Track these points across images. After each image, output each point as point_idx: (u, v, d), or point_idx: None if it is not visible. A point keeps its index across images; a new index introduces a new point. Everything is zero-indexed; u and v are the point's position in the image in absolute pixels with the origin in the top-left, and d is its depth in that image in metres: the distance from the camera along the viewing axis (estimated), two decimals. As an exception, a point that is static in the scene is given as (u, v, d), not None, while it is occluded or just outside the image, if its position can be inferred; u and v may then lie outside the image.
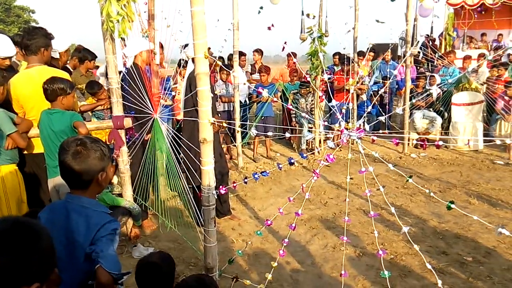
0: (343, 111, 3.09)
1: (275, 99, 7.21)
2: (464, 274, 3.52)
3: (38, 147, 3.48)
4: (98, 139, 1.86)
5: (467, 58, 8.96)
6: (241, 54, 8.24)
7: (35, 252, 1.18)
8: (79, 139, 1.80)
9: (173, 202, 4.82)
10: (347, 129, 2.36)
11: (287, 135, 2.65)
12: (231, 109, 7.14)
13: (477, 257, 3.79)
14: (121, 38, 3.62)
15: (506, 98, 7.28)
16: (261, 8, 5.32)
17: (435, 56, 9.33)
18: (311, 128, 7.60)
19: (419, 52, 8.95)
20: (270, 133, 2.84)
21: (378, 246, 2.91)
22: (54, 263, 1.26)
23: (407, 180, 2.27)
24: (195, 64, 2.64)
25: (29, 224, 1.23)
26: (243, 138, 7.25)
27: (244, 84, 6.90)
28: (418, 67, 9.91)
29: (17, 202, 3.40)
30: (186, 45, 4.52)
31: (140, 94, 3.84)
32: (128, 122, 3.69)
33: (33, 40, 3.56)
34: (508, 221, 4.53)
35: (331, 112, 8.34)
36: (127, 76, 4.19)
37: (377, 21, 5.38)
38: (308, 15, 3.93)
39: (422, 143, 7.35)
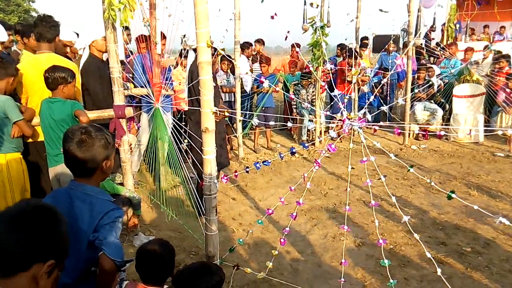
0: (345, 101, 3.09)
1: (277, 88, 7.17)
2: (462, 264, 3.56)
3: (41, 136, 3.49)
4: (102, 127, 1.86)
5: (469, 50, 8.92)
6: (249, 44, 8.18)
7: (53, 234, 1.24)
8: (83, 127, 1.80)
9: (174, 192, 4.83)
10: (349, 118, 2.36)
11: (289, 124, 2.65)
12: (232, 99, 7.12)
13: (476, 248, 3.82)
14: (123, 27, 3.62)
15: (508, 90, 7.26)
16: None
17: (437, 48, 9.28)
18: (313, 118, 7.59)
19: (421, 44, 8.89)
20: (272, 123, 2.85)
21: (378, 235, 2.94)
22: (67, 250, 1.31)
23: (409, 170, 2.27)
24: (198, 53, 2.62)
25: (51, 209, 1.29)
26: (243, 128, 7.24)
27: (247, 73, 6.87)
28: (419, 59, 9.86)
29: (21, 190, 3.42)
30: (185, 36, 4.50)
31: (102, 88, 3.73)
32: (129, 112, 3.69)
33: (52, 29, 3.65)
34: (508, 212, 4.55)
35: (333, 102, 8.33)
36: (87, 71, 4.10)
37: (381, 10, 5.33)
38: (311, 4, 3.90)
39: (424, 133, 7.34)
